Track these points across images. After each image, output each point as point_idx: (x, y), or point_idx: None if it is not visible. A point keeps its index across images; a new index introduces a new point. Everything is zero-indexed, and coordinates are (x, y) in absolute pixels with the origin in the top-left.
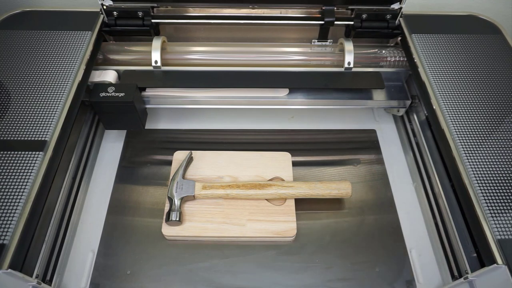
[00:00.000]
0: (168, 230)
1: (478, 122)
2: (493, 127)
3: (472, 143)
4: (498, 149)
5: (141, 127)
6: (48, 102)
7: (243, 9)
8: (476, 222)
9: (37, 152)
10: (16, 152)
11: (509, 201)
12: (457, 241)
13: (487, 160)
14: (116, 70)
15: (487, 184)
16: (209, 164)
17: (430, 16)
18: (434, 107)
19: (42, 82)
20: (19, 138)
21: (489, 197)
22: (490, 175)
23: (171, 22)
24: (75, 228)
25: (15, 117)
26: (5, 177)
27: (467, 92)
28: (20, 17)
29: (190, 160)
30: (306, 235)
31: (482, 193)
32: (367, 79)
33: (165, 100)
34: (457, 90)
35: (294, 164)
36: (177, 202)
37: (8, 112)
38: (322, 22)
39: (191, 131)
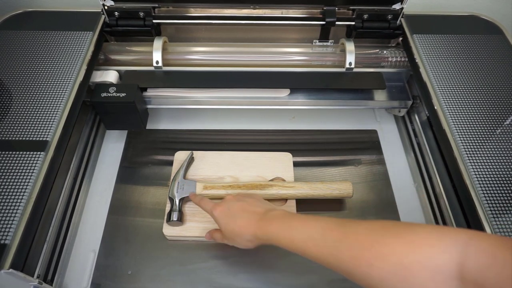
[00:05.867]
0: (169, 231)
1: (480, 123)
2: (495, 128)
3: (474, 144)
4: (499, 149)
5: (142, 127)
6: (50, 102)
7: (244, 10)
8: (477, 223)
9: (39, 152)
10: (17, 152)
11: (511, 201)
12: None
13: (488, 161)
14: (117, 71)
15: (489, 185)
16: (210, 165)
17: (432, 16)
18: (435, 108)
19: (43, 82)
20: (20, 138)
21: (491, 198)
22: (491, 175)
23: (172, 22)
24: (76, 228)
25: (17, 117)
26: (6, 177)
27: (468, 93)
28: (21, 17)
29: (191, 160)
30: None
31: (483, 193)
32: (368, 79)
33: (166, 100)
34: (458, 90)
35: (295, 164)
36: (178, 202)
37: (9, 112)
38: (323, 23)
39: (192, 131)
